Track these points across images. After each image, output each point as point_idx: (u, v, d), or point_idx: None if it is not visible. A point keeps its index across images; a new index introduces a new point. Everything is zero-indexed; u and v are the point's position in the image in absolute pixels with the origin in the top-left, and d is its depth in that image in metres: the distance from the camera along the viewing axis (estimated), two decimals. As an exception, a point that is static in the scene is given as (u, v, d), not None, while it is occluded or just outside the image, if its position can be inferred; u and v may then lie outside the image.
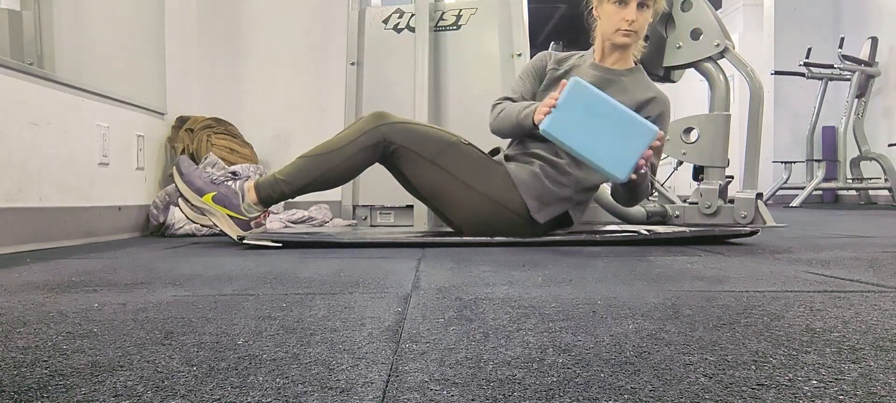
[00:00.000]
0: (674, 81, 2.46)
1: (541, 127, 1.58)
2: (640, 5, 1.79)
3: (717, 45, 2.28)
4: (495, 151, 1.99)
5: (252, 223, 1.82)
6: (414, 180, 1.85)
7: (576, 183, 1.82)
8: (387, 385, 0.52)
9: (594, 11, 1.88)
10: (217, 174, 1.88)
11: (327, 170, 1.78)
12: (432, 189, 1.84)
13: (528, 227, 1.81)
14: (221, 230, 1.78)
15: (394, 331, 0.71)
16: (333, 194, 2.12)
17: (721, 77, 2.35)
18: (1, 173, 1.67)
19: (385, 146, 1.79)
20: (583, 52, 1.98)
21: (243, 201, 1.78)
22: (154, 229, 2.32)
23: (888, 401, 0.47)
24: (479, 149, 1.87)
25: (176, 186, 1.82)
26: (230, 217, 1.77)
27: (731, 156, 2.43)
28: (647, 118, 1.70)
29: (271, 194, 1.79)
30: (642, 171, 1.59)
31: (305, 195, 1.86)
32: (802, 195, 5.58)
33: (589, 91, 1.56)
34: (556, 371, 0.55)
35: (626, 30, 1.80)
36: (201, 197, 1.77)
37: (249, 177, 1.93)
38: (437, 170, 1.80)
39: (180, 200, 1.82)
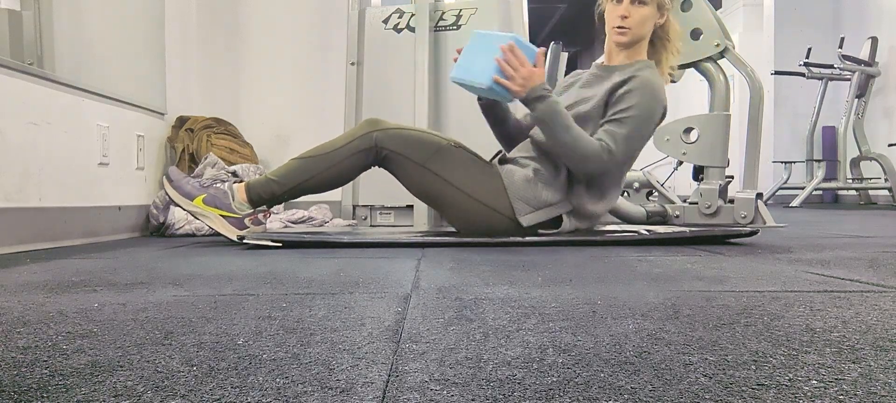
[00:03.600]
0: (674, 81, 2.46)
1: (450, 76, 1.78)
2: (634, 1, 1.80)
3: (717, 45, 2.28)
4: (498, 154, 1.99)
5: (246, 221, 1.83)
6: (408, 184, 1.88)
7: (569, 187, 1.81)
8: (387, 385, 0.52)
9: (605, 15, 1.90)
10: (212, 176, 1.90)
11: (318, 172, 1.81)
12: (426, 192, 1.87)
13: (517, 230, 1.81)
14: (218, 231, 1.81)
15: (394, 331, 0.71)
16: (333, 194, 2.13)
17: (721, 77, 2.35)
18: (1, 173, 1.67)
19: (377, 151, 1.82)
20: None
21: (234, 200, 1.80)
22: (154, 229, 2.32)
23: (888, 401, 0.47)
24: (470, 152, 1.88)
25: (166, 195, 1.86)
26: (223, 216, 1.80)
27: (731, 156, 2.43)
28: (615, 90, 1.79)
29: (262, 194, 1.81)
30: (505, 84, 1.69)
31: (305, 195, 1.87)
32: (802, 195, 5.58)
33: (481, 35, 1.76)
34: (556, 371, 0.55)
35: (619, 26, 1.82)
36: (192, 201, 1.80)
37: (247, 177, 1.95)
38: (429, 174, 1.82)
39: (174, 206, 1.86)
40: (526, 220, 1.79)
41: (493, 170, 1.85)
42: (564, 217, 1.81)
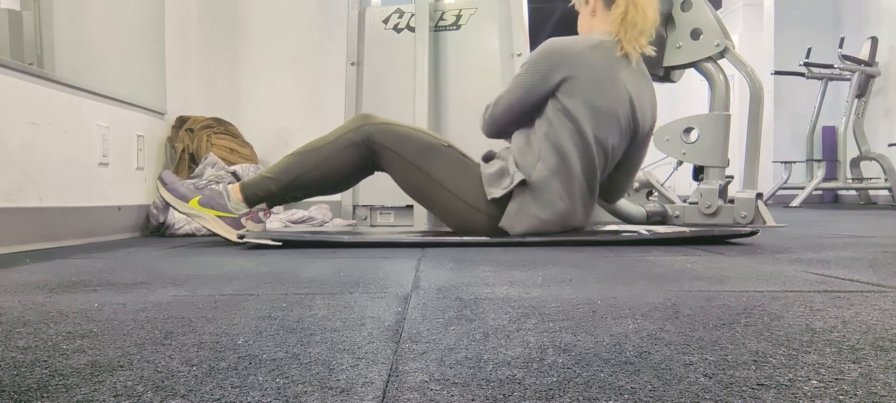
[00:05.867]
0: (674, 81, 2.46)
1: None
2: None
3: (717, 45, 2.28)
4: (490, 155, 2.00)
5: (244, 220, 1.83)
6: (398, 180, 1.89)
7: (516, 166, 1.83)
8: (387, 385, 0.52)
9: None
10: (212, 175, 1.90)
11: (312, 166, 1.80)
12: (415, 189, 1.88)
13: (496, 227, 1.82)
14: (215, 233, 1.81)
15: (394, 331, 0.71)
16: (333, 194, 2.13)
17: (721, 77, 2.35)
18: (1, 173, 1.67)
19: (368, 145, 1.82)
20: None
21: (229, 200, 1.80)
22: (154, 229, 2.32)
23: (888, 401, 0.47)
24: (459, 152, 1.89)
25: (162, 198, 1.85)
26: (219, 217, 1.79)
27: (731, 156, 2.43)
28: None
29: (257, 192, 1.81)
30: None
31: (303, 196, 1.87)
32: (802, 195, 5.58)
33: None
34: (556, 371, 0.55)
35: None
36: (187, 203, 1.79)
37: (247, 177, 1.95)
38: (417, 172, 1.82)
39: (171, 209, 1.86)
40: (491, 193, 1.79)
41: (478, 169, 1.86)
42: (515, 190, 1.80)
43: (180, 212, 1.82)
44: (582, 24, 1.95)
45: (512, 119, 1.86)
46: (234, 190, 1.82)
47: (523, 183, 1.78)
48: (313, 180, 1.82)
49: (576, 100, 1.78)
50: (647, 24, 1.85)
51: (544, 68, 1.79)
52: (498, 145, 2.07)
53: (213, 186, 1.85)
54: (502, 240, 1.76)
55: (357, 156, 1.83)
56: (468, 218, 1.83)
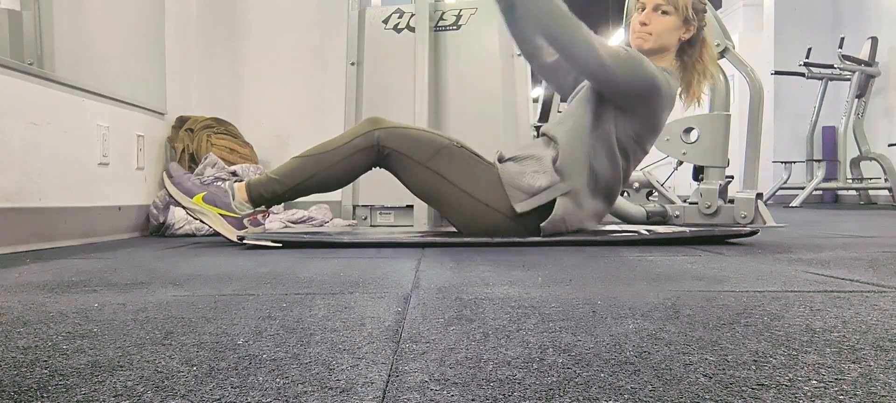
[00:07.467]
0: (674, 83, 2.46)
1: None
2: (657, 9, 1.79)
3: (717, 45, 2.28)
4: (504, 157, 2.00)
5: (245, 221, 1.83)
6: (409, 184, 1.88)
7: (557, 174, 1.80)
8: (387, 385, 0.52)
9: None
10: (212, 175, 1.90)
11: (320, 170, 1.80)
12: (427, 192, 1.87)
13: (514, 226, 1.81)
14: (216, 231, 1.80)
15: (394, 331, 0.71)
16: (333, 194, 2.13)
17: (721, 77, 2.35)
18: (1, 173, 1.67)
19: (379, 150, 1.81)
20: None
21: (234, 200, 1.80)
22: (154, 229, 2.32)
23: (888, 401, 0.47)
24: (471, 151, 1.88)
25: (166, 191, 1.86)
26: (222, 215, 1.79)
27: (731, 156, 2.43)
28: None
29: (263, 193, 1.81)
30: None
31: (306, 195, 1.87)
32: (802, 195, 5.58)
33: None
34: (556, 371, 0.55)
35: (638, 32, 1.81)
36: (191, 198, 1.80)
37: (247, 177, 1.95)
38: (431, 174, 1.81)
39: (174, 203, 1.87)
40: (520, 207, 1.78)
41: (494, 169, 1.85)
42: (559, 199, 1.77)
43: (184, 207, 1.82)
44: (666, 58, 1.85)
45: (613, 86, 1.75)
46: (240, 189, 1.81)
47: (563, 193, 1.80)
48: (319, 183, 1.82)
49: (647, 143, 1.89)
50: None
51: (656, 91, 1.77)
52: (504, 141, 2.07)
53: (218, 184, 1.86)
54: (502, 240, 1.76)
55: (366, 160, 1.83)
56: (484, 218, 1.82)
